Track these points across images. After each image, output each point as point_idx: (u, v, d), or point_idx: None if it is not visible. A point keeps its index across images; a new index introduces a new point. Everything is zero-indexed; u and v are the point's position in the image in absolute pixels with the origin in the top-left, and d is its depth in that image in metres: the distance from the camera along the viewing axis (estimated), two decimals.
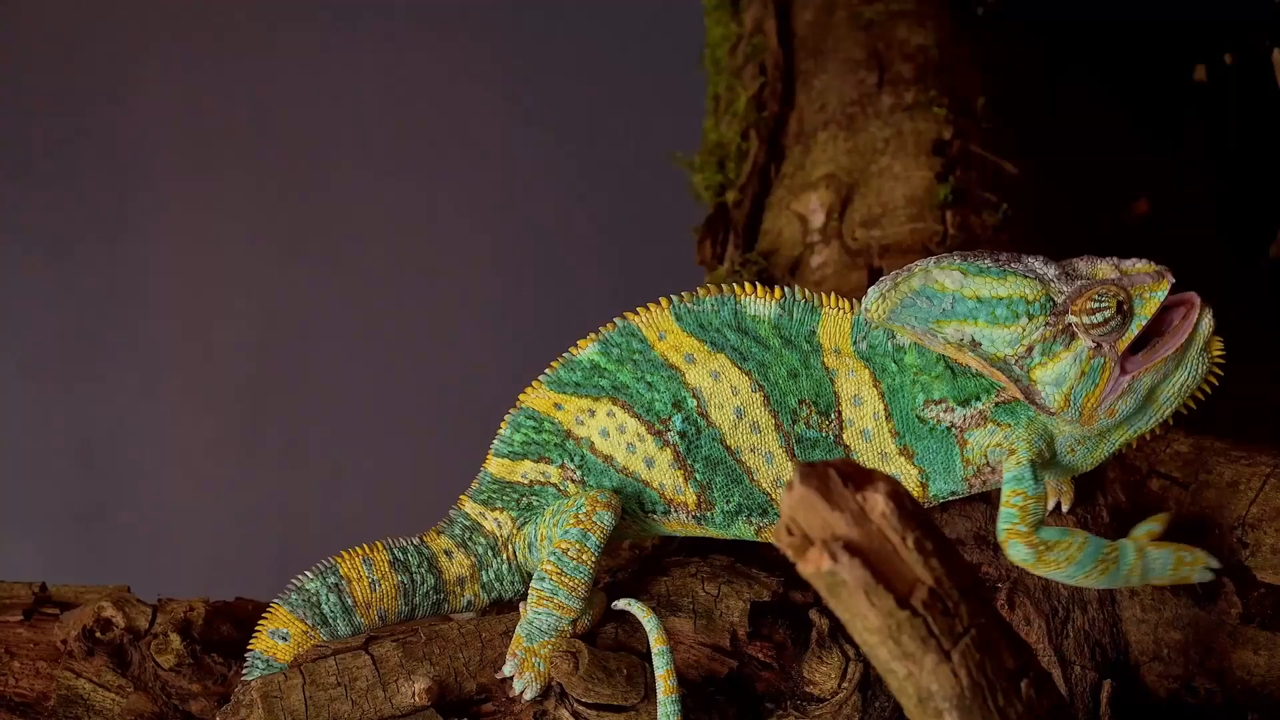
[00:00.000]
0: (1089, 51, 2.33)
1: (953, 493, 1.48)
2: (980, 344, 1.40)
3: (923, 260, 1.44)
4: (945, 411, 1.45)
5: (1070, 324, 1.38)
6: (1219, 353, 1.41)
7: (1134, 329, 1.38)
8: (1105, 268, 1.41)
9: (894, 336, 1.45)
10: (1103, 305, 1.37)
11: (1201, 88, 2.24)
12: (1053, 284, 1.39)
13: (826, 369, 1.47)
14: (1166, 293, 1.39)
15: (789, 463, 1.48)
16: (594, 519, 1.44)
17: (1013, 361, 1.40)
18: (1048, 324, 1.38)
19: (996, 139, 2.04)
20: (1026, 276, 1.39)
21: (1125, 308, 1.37)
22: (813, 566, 1.03)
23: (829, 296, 1.45)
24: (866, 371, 1.46)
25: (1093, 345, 1.38)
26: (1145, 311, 1.38)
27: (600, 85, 3.06)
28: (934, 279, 1.41)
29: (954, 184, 1.93)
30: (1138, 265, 1.41)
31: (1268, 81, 2.19)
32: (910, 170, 1.95)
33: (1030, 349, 1.39)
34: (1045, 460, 1.44)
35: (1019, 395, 1.40)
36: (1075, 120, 2.28)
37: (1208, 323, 1.40)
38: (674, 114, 2.52)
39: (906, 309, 1.42)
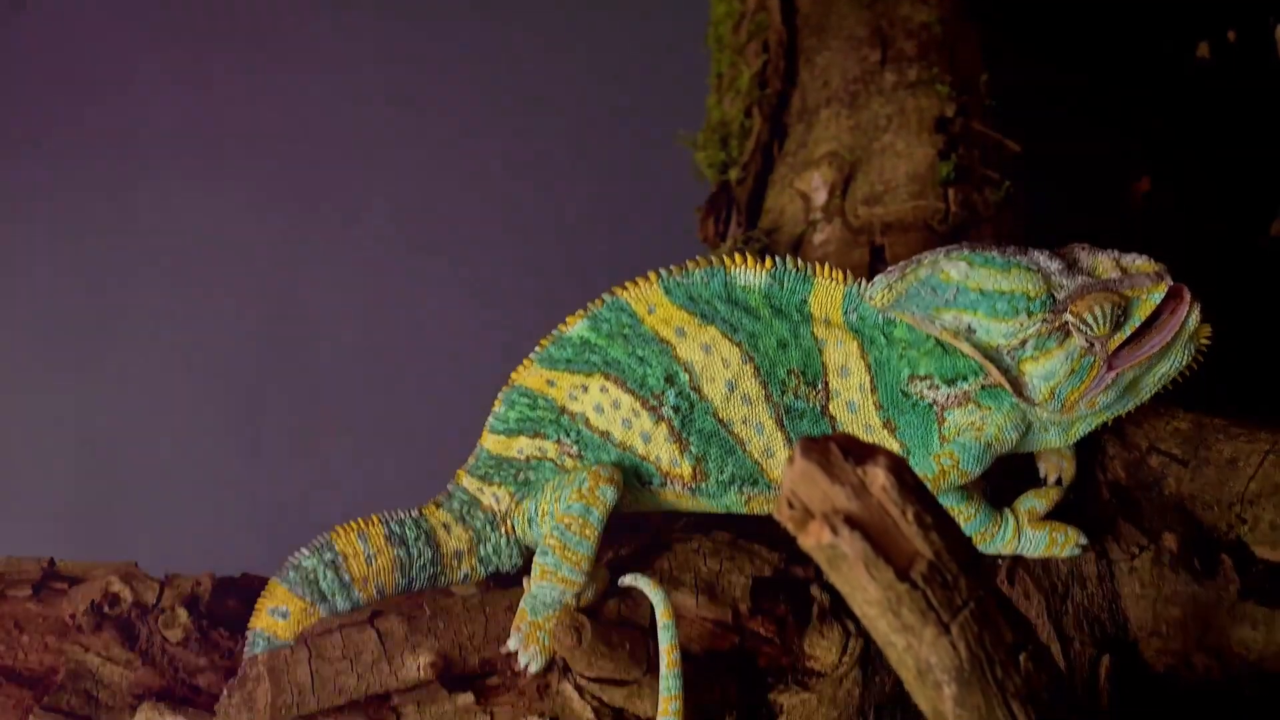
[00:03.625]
0: (1092, 28, 2.33)
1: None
2: (975, 332, 1.41)
3: (932, 252, 1.45)
4: (929, 388, 1.46)
5: (1067, 322, 1.39)
6: (1206, 339, 1.42)
7: (1127, 330, 1.40)
8: (1106, 263, 1.42)
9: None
10: (1101, 310, 1.38)
11: (1205, 65, 2.24)
12: (1054, 278, 1.40)
13: (815, 339, 1.47)
14: (1163, 295, 1.40)
15: (778, 433, 1.49)
16: (596, 494, 1.45)
17: (1005, 352, 1.41)
18: (1045, 320, 1.40)
19: (999, 116, 2.04)
20: (1030, 270, 1.40)
21: (1122, 316, 1.39)
22: (813, 540, 1.04)
23: (822, 266, 1.46)
24: (855, 343, 1.47)
25: (1085, 345, 1.39)
26: (1140, 314, 1.40)
27: (603, 63, 3.05)
28: (940, 269, 1.42)
29: (956, 161, 1.93)
30: (1138, 263, 1.42)
31: (1271, 59, 2.19)
32: (913, 147, 1.96)
33: (1024, 342, 1.40)
34: (1008, 448, 1.47)
35: (1003, 384, 1.41)
36: (1078, 97, 2.28)
37: (1195, 318, 1.41)
38: (677, 92, 2.52)
39: (910, 298, 1.43)
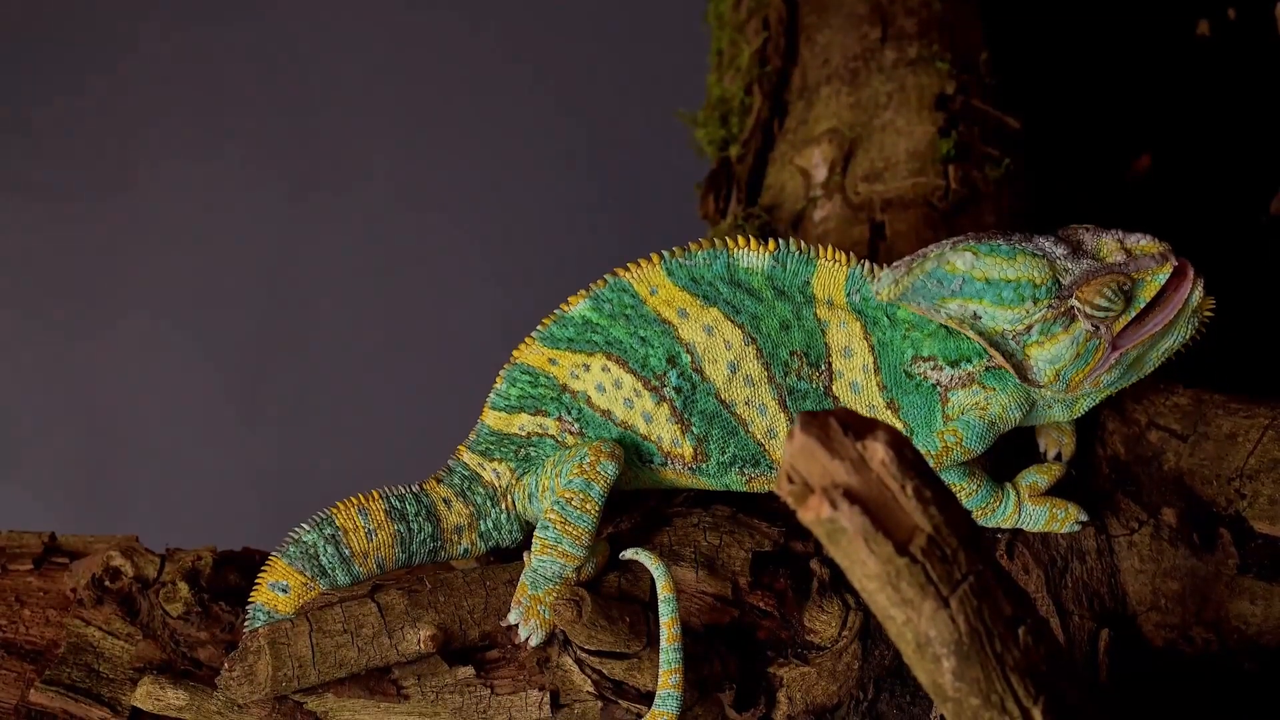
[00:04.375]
0: (1092, 6, 2.32)
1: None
2: (981, 318, 1.41)
3: (938, 245, 1.45)
4: (933, 369, 1.46)
5: (1073, 307, 1.40)
6: (1209, 312, 1.43)
7: (1132, 313, 1.41)
8: (1111, 244, 1.42)
9: None
10: (1107, 295, 1.39)
11: (1204, 43, 2.24)
12: (1059, 263, 1.41)
13: (818, 320, 1.48)
14: (1168, 276, 1.40)
15: (781, 415, 1.49)
16: (598, 469, 1.45)
17: (1010, 337, 1.41)
18: (1050, 306, 1.40)
19: (999, 93, 2.04)
20: (1035, 256, 1.41)
21: (1128, 296, 1.39)
22: (813, 514, 1.04)
23: (825, 248, 1.46)
24: (858, 324, 1.47)
25: (1091, 329, 1.40)
26: (1145, 295, 1.41)
27: (604, 41, 3.05)
28: (947, 260, 1.42)
29: (956, 138, 1.93)
30: (1142, 243, 1.42)
31: (1270, 37, 2.19)
32: (913, 125, 1.96)
33: (1029, 328, 1.41)
34: (1011, 426, 1.48)
35: (1007, 368, 1.42)
36: (1078, 75, 2.28)
37: (1198, 294, 1.42)
38: (677, 69, 2.52)
39: (917, 290, 1.43)
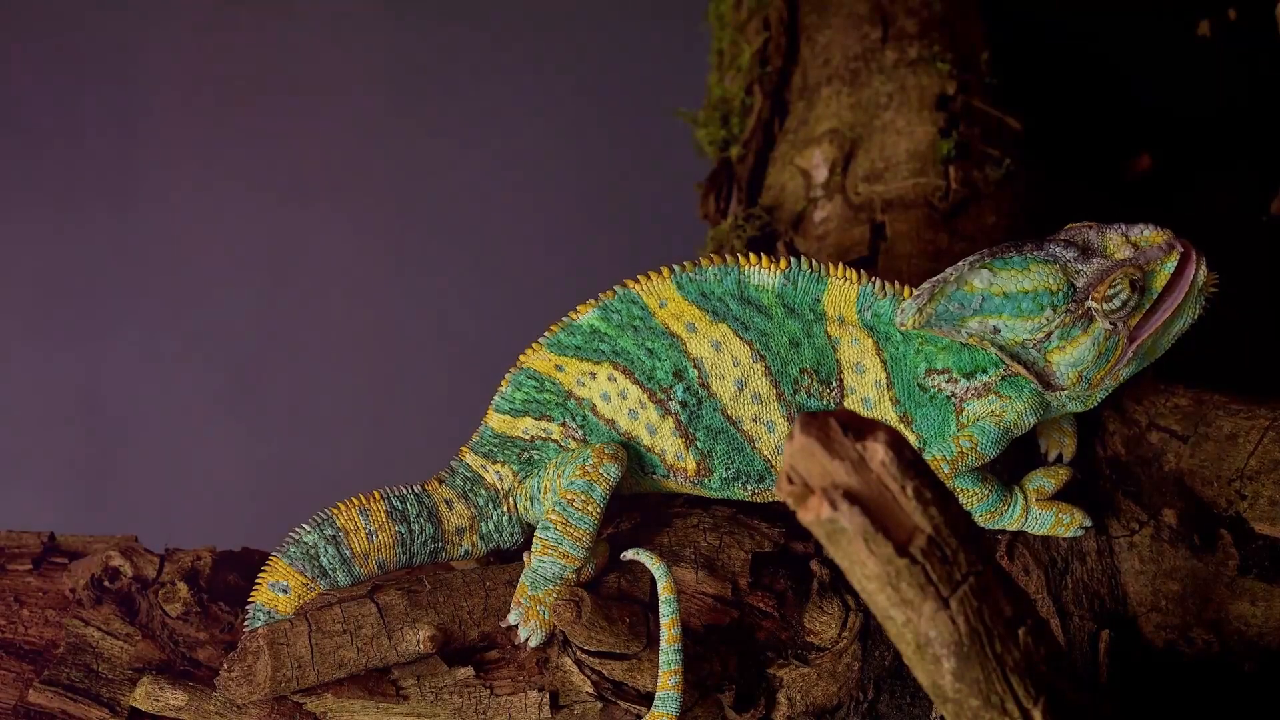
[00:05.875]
0: (1092, 6, 2.32)
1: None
2: (1000, 332, 1.42)
3: (955, 267, 1.44)
4: (948, 382, 1.47)
5: (1089, 309, 1.40)
6: (1214, 287, 1.44)
7: (1146, 304, 1.41)
8: (1117, 239, 1.43)
9: None
10: (1122, 291, 1.39)
11: (1204, 43, 2.24)
12: (1071, 265, 1.41)
13: (829, 337, 1.47)
14: (1176, 264, 1.41)
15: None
16: (600, 471, 1.45)
17: (1031, 346, 1.42)
18: (1069, 311, 1.41)
19: (999, 93, 2.04)
20: (1047, 262, 1.41)
21: (1141, 289, 1.40)
22: (812, 514, 1.04)
23: (836, 266, 1.46)
24: (869, 340, 1.47)
25: (1110, 327, 1.40)
26: (1157, 285, 1.42)
27: (604, 40, 3.05)
28: (966, 282, 1.42)
29: (957, 139, 1.93)
30: (1146, 234, 1.43)
31: (1270, 37, 2.19)
32: (913, 125, 1.96)
33: (1049, 335, 1.41)
34: (1025, 431, 1.48)
35: (1029, 377, 1.42)
36: (1079, 75, 2.28)
37: (1203, 273, 1.43)
38: (678, 69, 2.51)
39: (940, 316, 1.43)
